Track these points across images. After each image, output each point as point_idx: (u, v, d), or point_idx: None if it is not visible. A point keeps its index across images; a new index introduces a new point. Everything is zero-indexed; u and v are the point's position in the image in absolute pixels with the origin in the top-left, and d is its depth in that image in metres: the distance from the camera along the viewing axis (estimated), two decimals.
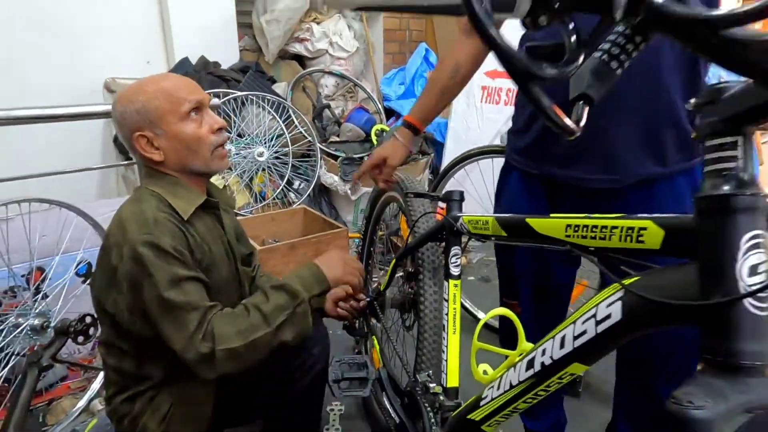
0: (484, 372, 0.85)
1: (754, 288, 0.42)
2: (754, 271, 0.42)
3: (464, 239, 1.03)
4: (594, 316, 0.58)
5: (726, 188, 0.43)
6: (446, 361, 1.01)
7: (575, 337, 0.61)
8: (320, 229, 2.65)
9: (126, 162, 2.36)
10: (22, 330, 1.41)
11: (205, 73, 3.00)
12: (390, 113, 3.51)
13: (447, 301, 1.02)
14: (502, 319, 1.14)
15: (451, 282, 1.02)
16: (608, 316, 0.56)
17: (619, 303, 0.54)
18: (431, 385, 1.00)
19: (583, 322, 0.60)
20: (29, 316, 1.42)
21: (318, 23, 3.38)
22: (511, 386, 0.73)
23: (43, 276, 1.65)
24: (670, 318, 0.49)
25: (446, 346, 1.01)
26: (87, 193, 2.79)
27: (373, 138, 3.25)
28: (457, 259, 1.03)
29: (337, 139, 3.23)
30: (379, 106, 3.45)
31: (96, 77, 2.92)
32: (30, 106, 1.60)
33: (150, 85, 1.03)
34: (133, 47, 3.01)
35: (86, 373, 1.75)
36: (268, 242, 2.65)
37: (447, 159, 3.23)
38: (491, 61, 0.58)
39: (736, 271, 0.42)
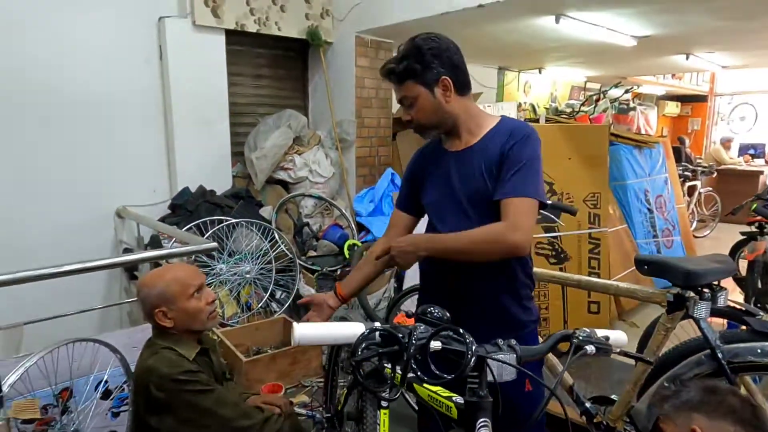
0: None
1: None
2: None
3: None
4: None
5: (473, 398, 0.95)
6: None
7: None
8: None
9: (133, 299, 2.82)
10: None
11: (202, 200, 3.53)
12: (361, 227, 4.07)
13: (378, 425, 1.49)
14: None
15: (381, 411, 1.50)
16: None
17: None
18: None
19: None
20: None
21: (300, 154, 4.01)
22: None
23: (69, 395, 2.06)
24: None
25: None
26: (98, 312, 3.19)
27: (346, 252, 3.78)
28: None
29: (315, 253, 3.76)
30: (352, 222, 4.02)
31: (109, 205, 3.43)
32: (68, 261, 2.02)
33: (166, 275, 1.54)
34: (142, 178, 3.54)
35: None
36: (253, 350, 3.08)
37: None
38: None
39: None
